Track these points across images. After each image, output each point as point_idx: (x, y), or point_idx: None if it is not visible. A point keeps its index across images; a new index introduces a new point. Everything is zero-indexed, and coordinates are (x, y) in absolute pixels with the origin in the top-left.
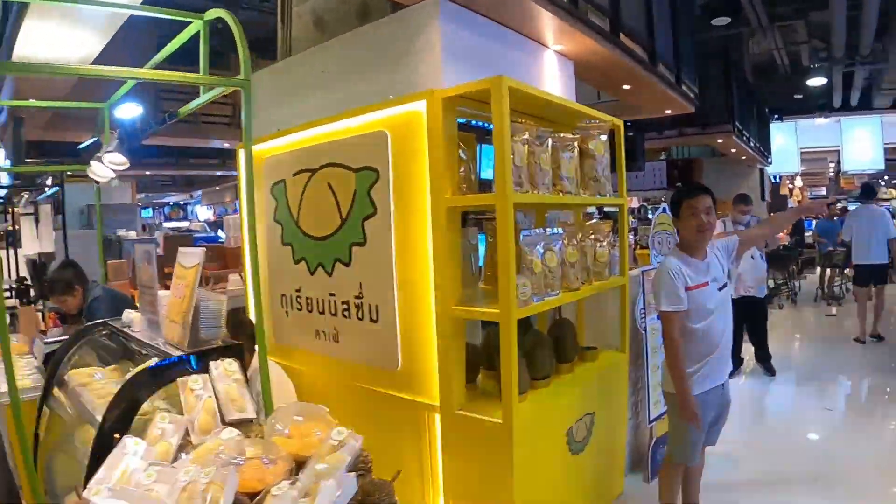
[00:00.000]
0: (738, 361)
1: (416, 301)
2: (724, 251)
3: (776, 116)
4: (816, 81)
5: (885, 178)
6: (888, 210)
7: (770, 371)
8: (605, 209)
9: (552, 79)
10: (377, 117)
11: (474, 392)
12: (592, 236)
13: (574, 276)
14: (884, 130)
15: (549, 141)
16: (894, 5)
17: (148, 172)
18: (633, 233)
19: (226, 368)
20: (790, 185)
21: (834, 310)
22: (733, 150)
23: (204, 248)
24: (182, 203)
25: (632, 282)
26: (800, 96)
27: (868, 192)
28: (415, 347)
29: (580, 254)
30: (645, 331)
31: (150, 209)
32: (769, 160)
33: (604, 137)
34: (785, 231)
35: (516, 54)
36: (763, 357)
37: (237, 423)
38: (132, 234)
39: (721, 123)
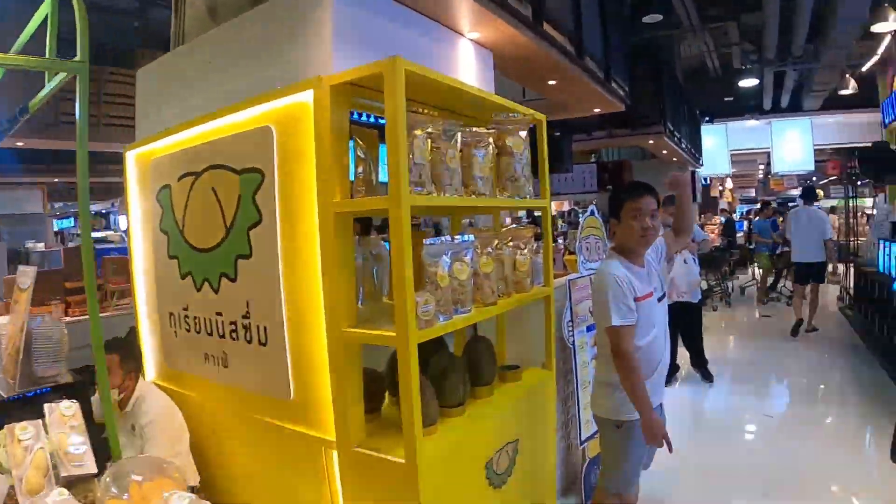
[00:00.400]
0: (673, 368)
1: (308, 321)
2: (654, 257)
3: (707, 119)
4: (748, 83)
5: (814, 178)
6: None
7: (707, 377)
8: (536, 213)
9: (468, 70)
10: (261, 111)
11: (378, 423)
12: (512, 243)
13: (490, 288)
14: (814, 132)
15: (459, 136)
16: (828, 7)
17: (56, 179)
18: (562, 237)
19: (62, 413)
20: (721, 187)
21: (769, 311)
22: (664, 152)
23: (35, 267)
24: (104, 212)
25: (558, 291)
26: (730, 99)
27: (809, 194)
28: (308, 374)
29: (497, 263)
30: (573, 345)
31: (71, 218)
32: (700, 162)
33: (523, 134)
34: (711, 230)
35: (426, 41)
36: (699, 363)
37: (75, 481)
38: (41, 246)
39: (652, 124)
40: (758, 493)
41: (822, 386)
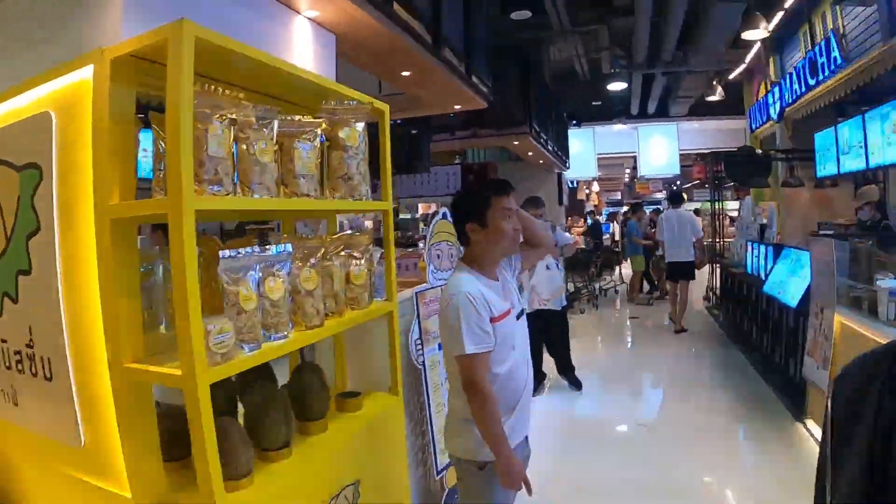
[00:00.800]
0: (540, 376)
1: (94, 353)
2: (508, 268)
3: (574, 122)
4: (616, 86)
5: (678, 182)
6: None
7: (576, 384)
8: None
9: (304, 53)
10: (41, 94)
11: (188, 474)
12: (345, 252)
13: (314, 307)
14: (680, 137)
15: (276, 124)
16: (700, 14)
17: None
18: (422, 242)
19: None
20: (587, 190)
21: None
22: (530, 154)
23: None
24: None
25: (404, 305)
26: (598, 103)
27: (675, 198)
28: (101, 417)
29: (325, 277)
30: (423, 365)
31: None
32: (567, 165)
33: (361, 126)
34: (578, 233)
35: (251, 17)
36: (566, 369)
37: None
38: None
39: (518, 125)
40: None
41: (693, 389)
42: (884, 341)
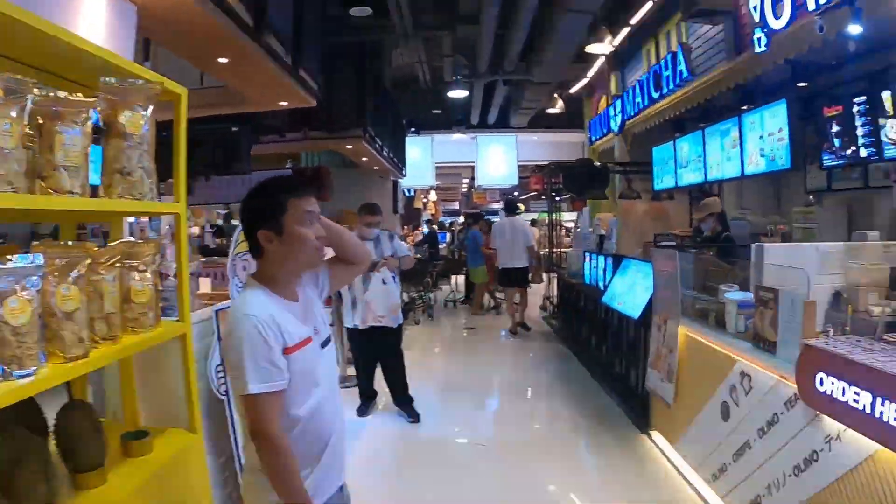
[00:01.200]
0: (371, 394)
1: None
2: (311, 286)
3: (413, 130)
4: (457, 94)
5: (516, 192)
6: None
7: (413, 416)
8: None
9: (95, 24)
10: None
11: None
12: (124, 264)
13: (75, 334)
14: (519, 148)
15: (29, 100)
16: (546, 25)
17: None
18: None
19: None
20: (424, 199)
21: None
22: (364, 159)
23: None
24: None
25: (202, 326)
26: (439, 111)
27: (510, 206)
28: None
29: (93, 295)
30: (227, 395)
31: None
32: (403, 172)
33: (147, 111)
34: (411, 239)
35: None
36: (404, 400)
37: None
38: None
39: (351, 128)
40: None
41: (533, 401)
42: (732, 353)
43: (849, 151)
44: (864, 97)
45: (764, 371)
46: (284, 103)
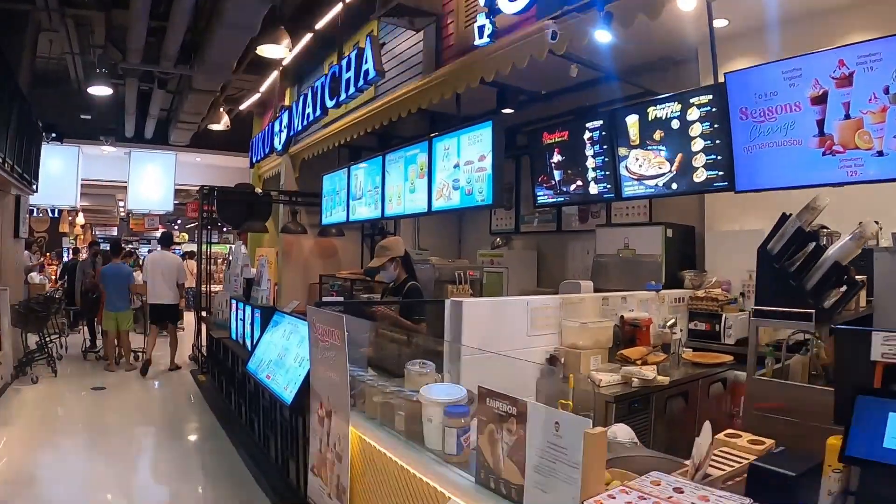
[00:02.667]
0: None
1: None
2: None
3: (55, 136)
4: (100, 91)
5: (179, 220)
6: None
7: None
8: None
9: None
10: None
11: None
12: None
13: None
14: (178, 170)
15: None
16: (213, 15)
17: None
18: None
19: None
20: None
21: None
22: None
23: None
24: None
25: None
26: (88, 117)
27: (166, 239)
28: None
29: None
30: None
31: None
32: (34, 187)
33: None
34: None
35: None
36: None
37: None
38: None
39: None
40: None
41: (176, 492)
42: (441, 486)
43: (572, 187)
44: (601, 122)
45: None
46: None
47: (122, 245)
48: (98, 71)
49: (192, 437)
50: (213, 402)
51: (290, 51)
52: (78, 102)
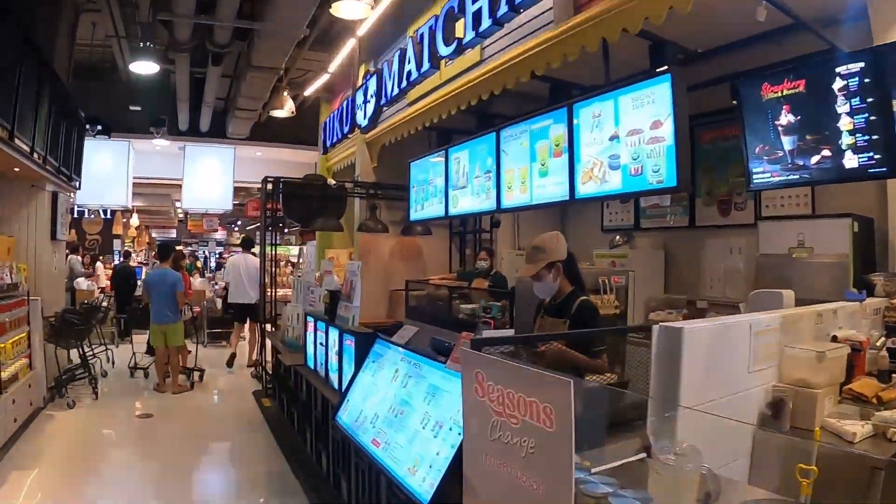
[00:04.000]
0: None
1: None
2: None
3: (101, 129)
4: (143, 68)
5: (240, 221)
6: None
7: None
8: None
9: None
10: None
11: None
12: None
13: None
14: (237, 165)
15: None
16: None
17: None
18: None
19: None
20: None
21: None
22: None
23: None
24: None
25: None
26: (138, 108)
27: (247, 243)
28: None
29: None
30: None
31: None
32: (76, 184)
33: None
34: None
35: None
36: None
37: None
38: None
39: None
40: None
41: None
42: None
43: (814, 159)
44: (861, 63)
45: None
46: None
47: (173, 247)
48: (143, 46)
49: (258, 466)
50: (283, 439)
51: (373, 8)
52: (126, 94)
